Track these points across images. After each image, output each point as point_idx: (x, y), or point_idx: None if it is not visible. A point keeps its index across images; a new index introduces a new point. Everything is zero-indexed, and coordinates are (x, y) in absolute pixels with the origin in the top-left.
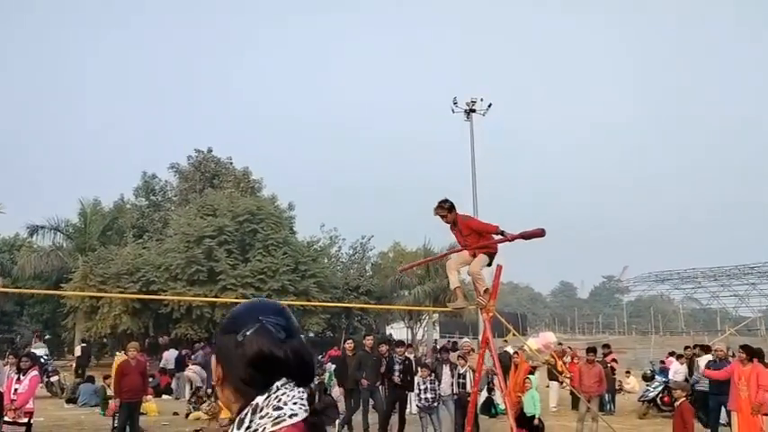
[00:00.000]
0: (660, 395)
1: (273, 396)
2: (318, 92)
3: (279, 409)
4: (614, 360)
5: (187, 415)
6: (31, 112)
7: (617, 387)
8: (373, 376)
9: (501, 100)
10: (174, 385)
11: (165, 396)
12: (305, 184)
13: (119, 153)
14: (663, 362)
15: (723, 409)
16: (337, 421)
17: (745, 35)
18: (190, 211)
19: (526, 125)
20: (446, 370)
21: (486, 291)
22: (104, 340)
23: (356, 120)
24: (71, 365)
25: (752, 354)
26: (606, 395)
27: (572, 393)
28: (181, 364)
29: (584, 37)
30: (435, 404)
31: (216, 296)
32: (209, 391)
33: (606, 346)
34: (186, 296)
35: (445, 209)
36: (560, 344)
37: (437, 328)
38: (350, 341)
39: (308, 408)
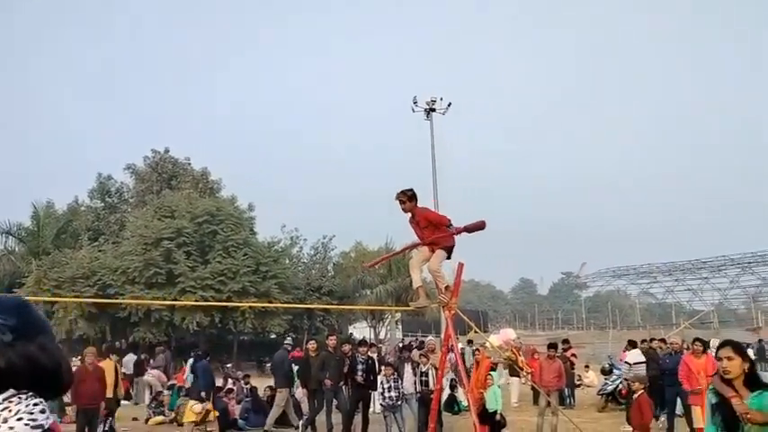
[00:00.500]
0: (618, 388)
1: None
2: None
3: None
4: (573, 355)
5: (147, 420)
6: None
7: (576, 381)
8: (337, 376)
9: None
10: (132, 390)
11: (123, 402)
12: (265, 184)
13: (72, 154)
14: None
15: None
16: (301, 422)
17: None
18: (147, 212)
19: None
20: (408, 368)
21: (447, 288)
22: (59, 346)
23: (315, 121)
24: None
25: (705, 346)
26: (566, 389)
27: (533, 388)
28: (139, 368)
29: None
30: (399, 403)
31: (175, 299)
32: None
33: (566, 341)
34: (144, 299)
35: (407, 196)
36: (518, 338)
37: (400, 327)
38: (312, 342)
39: (43, 424)
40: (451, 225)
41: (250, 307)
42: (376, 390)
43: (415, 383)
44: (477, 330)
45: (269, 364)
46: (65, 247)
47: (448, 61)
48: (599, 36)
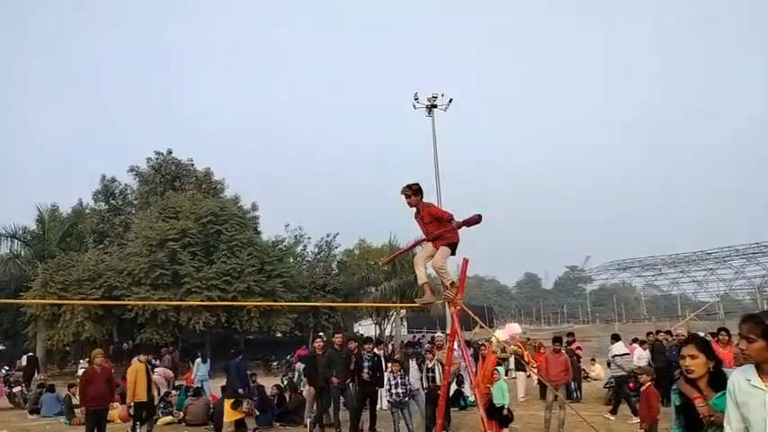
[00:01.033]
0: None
1: None
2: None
3: None
4: (579, 348)
5: (156, 420)
6: None
7: (583, 375)
8: (343, 374)
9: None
10: None
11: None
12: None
13: (77, 157)
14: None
15: None
16: (308, 420)
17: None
18: (151, 214)
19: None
20: (413, 364)
21: (452, 284)
22: (67, 348)
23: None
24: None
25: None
26: (572, 383)
27: (539, 383)
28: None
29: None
30: (406, 399)
31: (181, 300)
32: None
33: (571, 334)
34: (150, 301)
35: (412, 190)
36: (524, 333)
37: (405, 323)
38: (319, 339)
39: None
40: (453, 220)
41: (255, 306)
42: (383, 386)
43: (422, 379)
44: (483, 326)
45: (275, 363)
46: (70, 249)
47: (450, 57)
48: (599, 36)
